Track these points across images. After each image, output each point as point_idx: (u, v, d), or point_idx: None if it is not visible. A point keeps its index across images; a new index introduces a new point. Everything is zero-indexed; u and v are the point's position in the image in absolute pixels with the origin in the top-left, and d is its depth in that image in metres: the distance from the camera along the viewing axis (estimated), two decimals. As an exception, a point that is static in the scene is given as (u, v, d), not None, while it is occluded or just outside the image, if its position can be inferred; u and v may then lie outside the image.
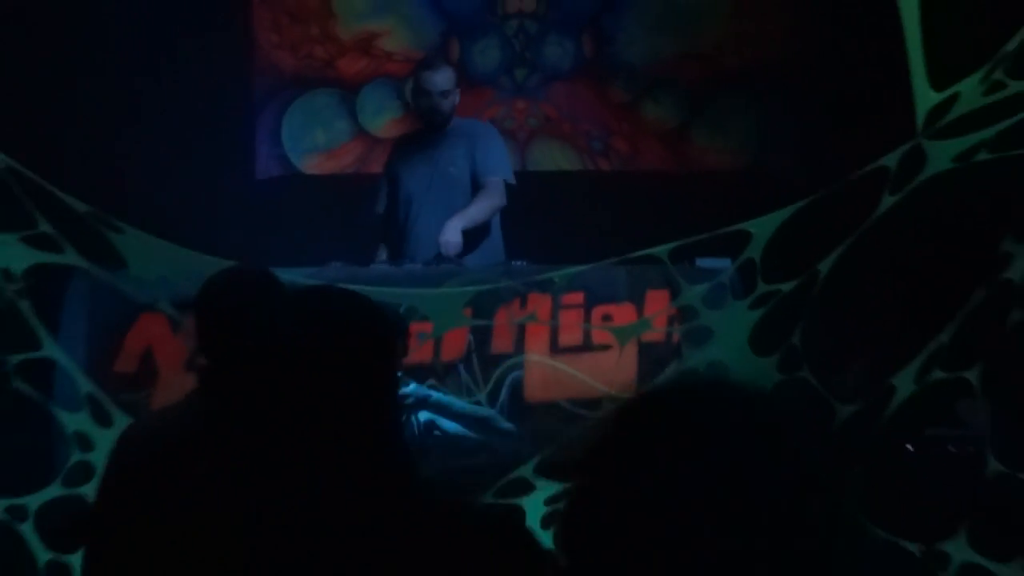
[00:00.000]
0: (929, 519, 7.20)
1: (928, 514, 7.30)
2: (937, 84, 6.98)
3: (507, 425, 8.12)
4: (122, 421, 7.29)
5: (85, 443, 7.61)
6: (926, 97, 6.90)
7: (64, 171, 8.23)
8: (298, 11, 10.40)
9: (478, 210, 8.87)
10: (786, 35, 10.83)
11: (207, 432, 4.52)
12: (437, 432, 8.25)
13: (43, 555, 7.47)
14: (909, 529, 7.07)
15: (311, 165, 10.44)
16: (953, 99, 6.81)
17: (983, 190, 7.66)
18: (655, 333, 8.25)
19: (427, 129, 9.07)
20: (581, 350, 8.39)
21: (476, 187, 9.03)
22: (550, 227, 9.75)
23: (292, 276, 7.52)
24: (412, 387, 7.98)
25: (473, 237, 8.87)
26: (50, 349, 7.60)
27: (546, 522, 7.32)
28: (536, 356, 8.40)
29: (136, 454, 4.90)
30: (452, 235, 8.63)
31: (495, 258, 9.00)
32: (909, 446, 8.13)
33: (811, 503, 2.39)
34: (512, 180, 9.03)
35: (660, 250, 7.51)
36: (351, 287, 7.74)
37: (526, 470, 7.37)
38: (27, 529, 7.27)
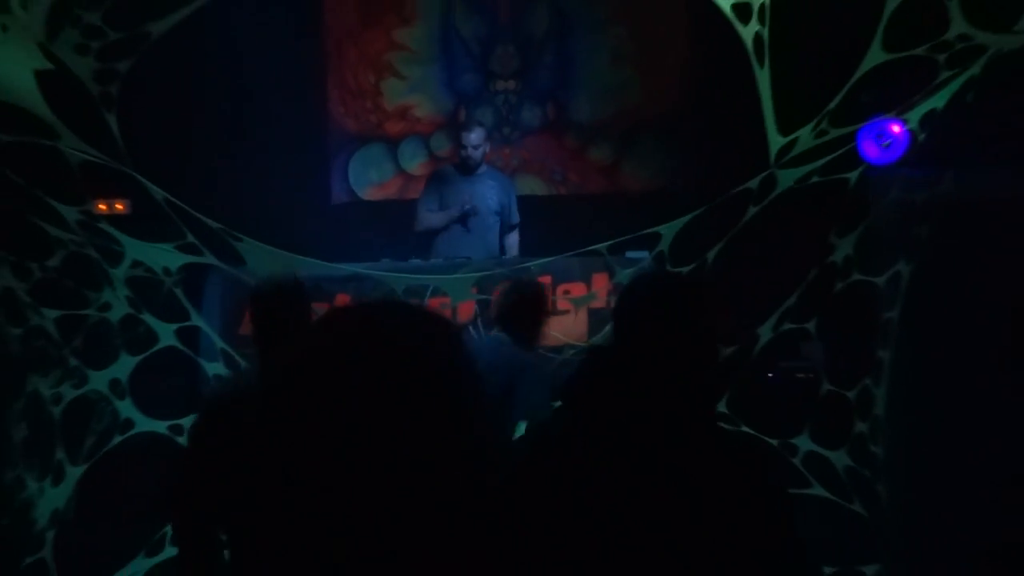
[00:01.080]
0: (783, 422, 8.15)
1: (783, 419, 8.22)
2: (783, 131, 7.80)
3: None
4: (243, 366, 8.14)
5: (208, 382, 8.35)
6: (776, 141, 7.81)
7: (202, 200, 8.22)
8: (358, 91, 10.70)
9: (515, 242, 9.72)
10: (681, 95, 11.00)
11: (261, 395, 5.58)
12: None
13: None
14: (770, 430, 8.00)
15: (368, 194, 10.83)
16: (794, 142, 7.72)
17: (815, 202, 8.06)
18: (599, 302, 8.91)
19: (463, 170, 9.52)
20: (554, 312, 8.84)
21: (503, 218, 9.68)
22: (527, 232, 10.03)
23: (355, 268, 8.53)
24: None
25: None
26: (196, 320, 8.32)
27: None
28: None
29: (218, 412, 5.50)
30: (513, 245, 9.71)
31: (492, 254, 9.56)
32: (769, 374, 9.06)
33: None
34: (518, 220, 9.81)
35: (602, 246, 8.37)
36: (396, 274, 8.51)
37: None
38: (183, 441, 7.80)
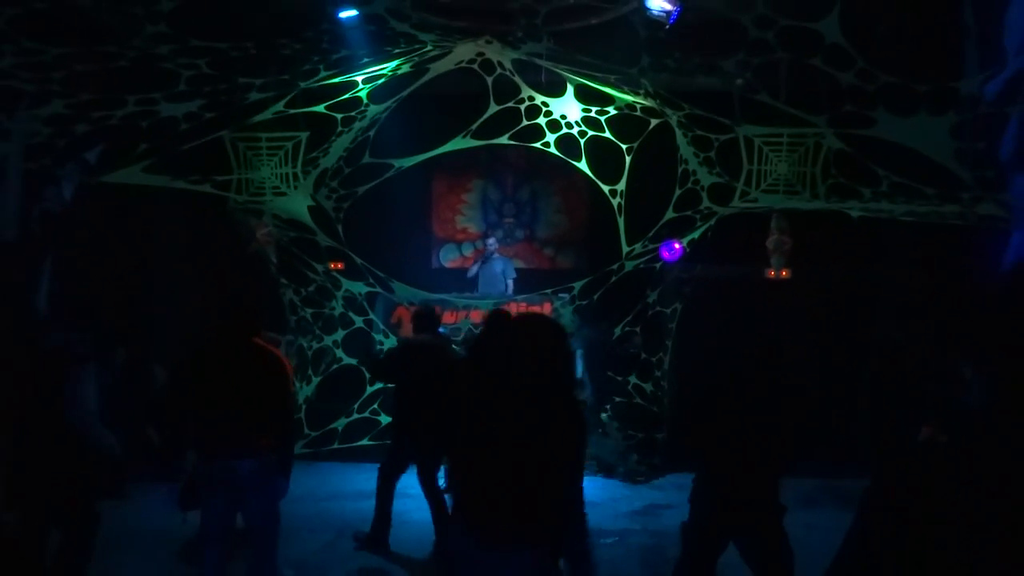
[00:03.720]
0: (625, 371, 8.12)
1: (625, 370, 8.14)
2: (629, 244, 8.14)
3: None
4: (392, 340, 8.30)
5: (381, 344, 8.31)
6: (625, 248, 8.12)
7: (375, 263, 8.34)
8: (445, 220, 10.69)
9: (511, 286, 9.41)
10: (584, 228, 10.51)
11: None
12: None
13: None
14: (622, 373, 8.10)
15: (447, 264, 10.61)
16: (632, 250, 8.01)
17: (641, 275, 8.10)
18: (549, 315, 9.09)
19: (487, 258, 9.51)
20: None
21: (506, 276, 9.46)
22: (518, 283, 9.49)
23: (442, 296, 8.43)
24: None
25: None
26: (371, 315, 8.32)
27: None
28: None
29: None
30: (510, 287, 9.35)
31: (501, 292, 9.21)
32: (620, 350, 8.23)
33: None
34: (514, 278, 9.51)
35: (548, 291, 8.43)
36: (458, 298, 8.71)
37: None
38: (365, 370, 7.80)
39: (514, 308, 8.73)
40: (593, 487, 6.94)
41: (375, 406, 8.30)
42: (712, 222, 7.84)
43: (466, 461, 2.61)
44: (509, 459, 2.49)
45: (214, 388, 3.76)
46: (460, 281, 9.55)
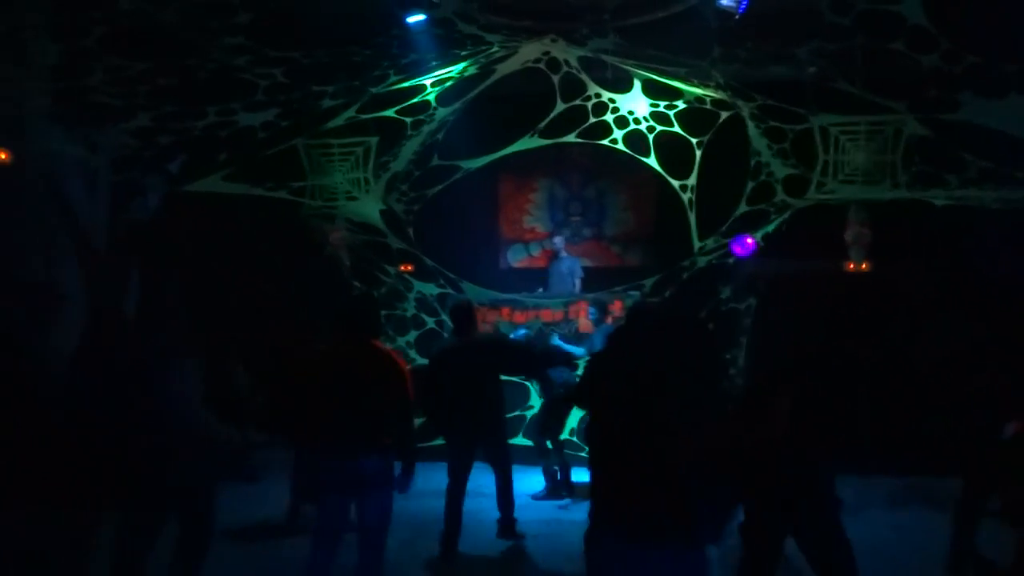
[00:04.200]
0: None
1: None
2: (700, 240, 8.10)
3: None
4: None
5: None
6: (696, 244, 8.07)
7: (448, 265, 8.46)
8: (513, 220, 10.61)
9: (579, 286, 9.28)
10: (652, 226, 10.25)
11: None
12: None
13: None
14: None
15: (516, 264, 10.56)
16: (704, 246, 7.94)
17: (714, 271, 7.92)
18: (618, 314, 8.06)
19: (556, 256, 9.53)
20: None
21: (574, 276, 9.39)
22: (589, 284, 9.39)
23: (511, 295, 8.46)
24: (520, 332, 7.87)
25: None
26: (444, 317, 8.20)
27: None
28: (583, 319, 8.38)
29: None
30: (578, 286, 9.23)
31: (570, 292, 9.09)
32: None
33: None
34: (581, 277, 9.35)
35: (619, 288, 8.27)
36: (528, 298, 8.63)
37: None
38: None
39: (583, 306, 8.67)
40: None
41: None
42: (787, 215, 7.65)
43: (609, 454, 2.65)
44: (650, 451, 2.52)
45: (337, 388, 3.91)
46: (529, 280, 9.52)
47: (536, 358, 6.54)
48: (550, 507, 7.05)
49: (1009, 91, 4.57)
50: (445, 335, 8.55)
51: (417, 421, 8.21)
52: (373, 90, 6.65)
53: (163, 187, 7.23)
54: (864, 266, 7.61)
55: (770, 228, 7.69)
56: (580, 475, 7.91)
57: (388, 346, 7.93)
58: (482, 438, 5.84)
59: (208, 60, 5.25)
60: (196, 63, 5.21)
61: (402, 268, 8.53)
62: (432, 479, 7.25)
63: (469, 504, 5.76)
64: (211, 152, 6.29)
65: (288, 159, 7.27)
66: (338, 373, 3.92)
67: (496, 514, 5.94)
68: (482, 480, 6.16)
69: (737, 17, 5.50)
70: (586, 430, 3.78)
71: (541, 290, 9.14)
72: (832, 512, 3.53)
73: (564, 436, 7.91)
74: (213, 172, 6.52)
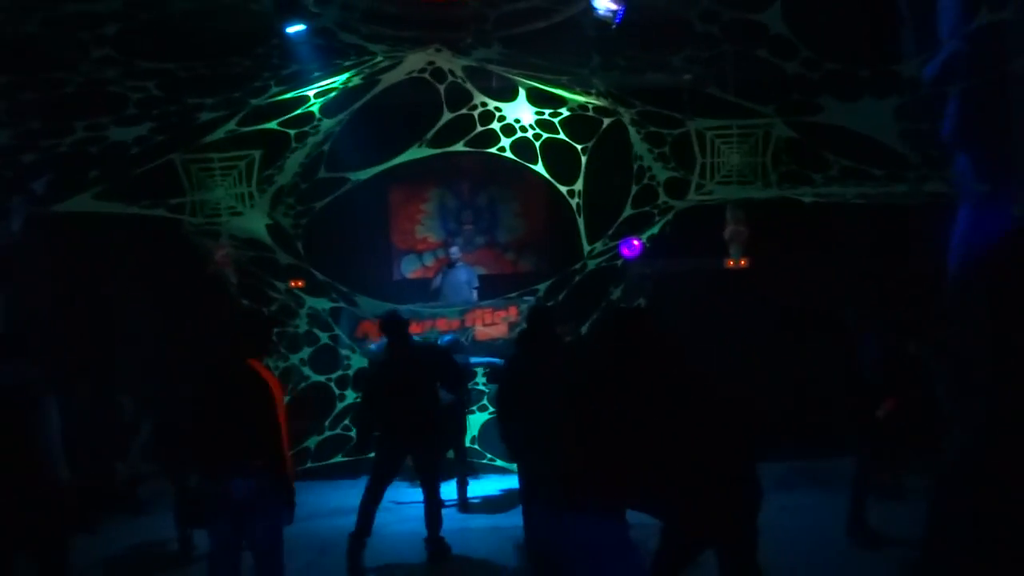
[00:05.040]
0: None
1: None
2: (590, 243, 8.26)
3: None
4: (358, 355, 8.25)
5: (348, 359, 8.29)
6: (586, 248, 8.23)
7: (338, 278, 8.36)
8: (405, 231, 10.39)
9: (475, 294, 9.16)
10: (543, 232, 10.23)
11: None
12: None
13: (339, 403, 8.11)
14: None
15: (410, 275, 10.33)
16: (594, 249, 8.07)
17: (603, 274, 8.15)
18: (513, 319, 8.42)
19: (450, 265, 9.29)
20: (491, 325, 8.62)
21: (469, 284, 9.26)
22: (484, 291, 9.22)
23: (407, 307, 8.19)
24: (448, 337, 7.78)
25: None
26: (337, 331, 8.26)
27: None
28: (479, 327, 8.59)
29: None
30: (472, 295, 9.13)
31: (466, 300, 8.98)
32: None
33: None
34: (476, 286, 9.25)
35: (514, 294, 8.47)
36: (422, 308, 8.54)
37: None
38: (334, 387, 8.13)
39: (480, 314, 8.80)
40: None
41: (346, 422, 8.21)
42: (670, 216, 7.94)
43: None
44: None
45: (208, 409, 3.84)
46: (423, 292, 9.49)
47: (462, 372, 6.50)
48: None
49: (863, 94, 4.92)
50: (341, 351, 8.52)
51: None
52: (254, 102, 6.48)
53: (27, 208, 6.76)
54: (743, 262, 8.00)
55: (655, 230, 7.99)
56: (483, 483, 8.00)
57: (279, 364, 8.04)
58: (413, 448, 5.80)
59: (75, 73, 4.99)
60: (62, 76, 4.93)
61: (291, 284, 8.35)
62: (329, 498, 7.28)
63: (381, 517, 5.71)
64: (80, 169, 5.94)
65: (165, 175, 7.03)
66: (211, 394, 3.86)
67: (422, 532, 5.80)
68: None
69: (614, 27, 5.71)
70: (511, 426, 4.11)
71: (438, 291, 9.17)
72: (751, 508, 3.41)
73: (467, 444, 7.95)
74: (83, 191, 6.16)
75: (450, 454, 7.28)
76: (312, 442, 8.19)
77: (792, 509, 5.94)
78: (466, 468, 7.36)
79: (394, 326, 5.81)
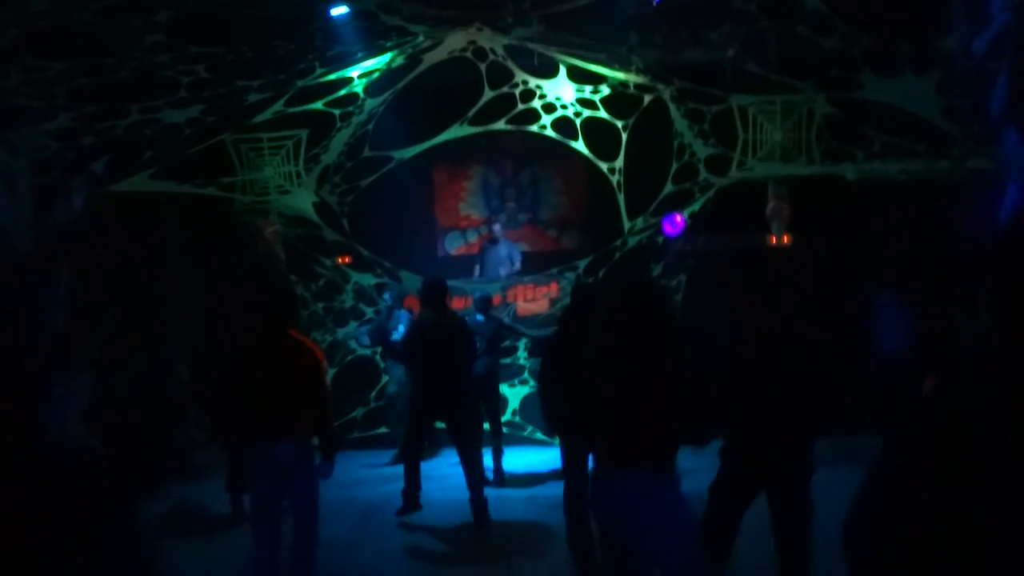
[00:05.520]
0: None
1: None
2: (630, 219, 8.33)
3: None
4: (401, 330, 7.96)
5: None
6: (627, 224, 8.27)
7: (385, 255, 8.56)
8: (448, 208, 10.49)
9: (518, 268, 9.20)
10: (585, 210, 10.25)
11: None
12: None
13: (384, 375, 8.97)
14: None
15: (453, 252, 10.46)
16: (634, 225, 8.17)
17: (645, 250, 8.23)
18: (554, 295, 8.54)
19: (492, 242, 9.33)
20: (532, 300, 8.76)
21: (512, 260, 9.28)
22: (526, 267, 9.24)
23: (456, 283, 8.28)
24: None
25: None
26: (381, 306, 8.25)
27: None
28: (521, 302, 8.71)
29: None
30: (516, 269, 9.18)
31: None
32: None
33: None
34: (519, 264, 9.22)
35: (554, 270, 8.57)
36: (466, 284, 8.70)
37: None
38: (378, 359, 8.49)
39: (521, 290, 8.92)
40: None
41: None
42: (711, 193, 7.93)
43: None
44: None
45: (255, 378, 4.02)
46: (466, 268, 9.56)
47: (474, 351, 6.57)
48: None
49: (903, 70, 4.87)
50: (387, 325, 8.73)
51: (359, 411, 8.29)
52: (300, 83, 6.67)
53: (87, 188, 7.09)
54: (785, 239, 7.95)
55: (695, 207, 7.99)
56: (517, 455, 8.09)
57: (326, 338, 8.32)
58: (443, 414, 6.05)
59: (128, 58, 5.22)
60: (116, 62, 5.18)
61: (339, 260, 8.58)
62: (374, 467, 7.54)
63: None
64: (136, 151, 6.22)
65: (216, 155, 7.31)
66: (257, 364, 4.05)
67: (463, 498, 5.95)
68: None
69: (653, 5, 5.71)
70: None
71: (477, 272, 9.24)
72: (805, 476, 3.76)
73: (507, 417, 8.09)
74: (140, 171, 6.45)
75: (486, 426, 7.34)
76: (358, 413, 8.46)
77: (832, 483, 5.92)
78: (500, 440, 7.42)
79: (434, 291, 5.95)
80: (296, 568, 4.11)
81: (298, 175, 7.89)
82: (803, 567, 3.74)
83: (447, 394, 5.75)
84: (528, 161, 10.66)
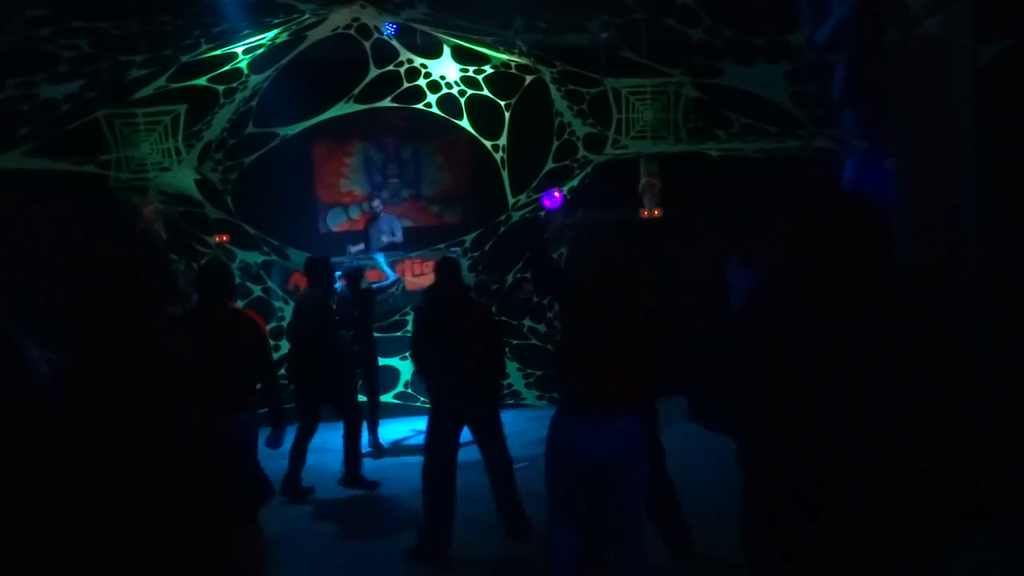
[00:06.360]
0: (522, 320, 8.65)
1: (522, 318, 8.61)
2: (514, 195, 8.53)
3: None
4: (291, 306, 7.65)
5: (281, 311, 8.43)
6: (511, 200, 8.60)
7: (268, 232, 8.60)
8: (329, 185, 10.58)
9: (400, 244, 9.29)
10: (466, 185, 10.59)
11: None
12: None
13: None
14: (519, 328, 8.44)
15: (336, 228, 10.52)
16: (517, 201, 8.41)
17: (526, 225, 8.53)
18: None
19: (374, 217, 9.35)
20: (420, 275, 8.90)
21: (394, 234, 9.34)
22: (410, 242, 9.45)
23: (339, 259, 8.28)
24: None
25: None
26: (269, 283, 8.48)
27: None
28: (408, 277, 8.96)
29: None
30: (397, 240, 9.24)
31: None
32: (519, 298, 9.08)
33: None
34: (401, 237, 9.37)
35: (440, 246, 8.74)
36: (357, 261, 9.08)
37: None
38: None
39: (409, 265, 9.19)
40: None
41: (281, 371, 8.46)
42: (589, 170, 8.42)
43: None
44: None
45: (203, 349, 4.02)
46: (349, 243, 9.67)
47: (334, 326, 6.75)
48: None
49: (758, 60, 5.48)
50: (273, 303, 8.77)
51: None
52: (184, 59, 6.61)
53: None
54: (656, 212, 8.59)
55: (574, 182, 8.49)
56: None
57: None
58: (325, 398, 6.28)
59: (5, 32, 5.08)
60: (-7, 35, 5.02)
61: (218, 239, 8.51)
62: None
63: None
64: (10, 127, 6.00)
65: (94, 132, 7.10)
66: (201, 337, 4.04)
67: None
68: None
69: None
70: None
71: (361, 247, 9.37)
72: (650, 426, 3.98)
73: (399, 389, 8.35)
74: (13, 148, 6.22)
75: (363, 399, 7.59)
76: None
77: (696, 435, 6.52)
78: (376, 413, 7.70)
79: (314, 270, 6.30)
80: None
81: (178, 151, 7.80)
82: (669, 505, 4.27)
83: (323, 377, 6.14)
84: (410, 137, 10.84)
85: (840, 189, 1.92)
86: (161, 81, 6.89)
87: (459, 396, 4.73)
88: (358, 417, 6.43)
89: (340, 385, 6.26)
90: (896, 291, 1.78)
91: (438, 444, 4.73)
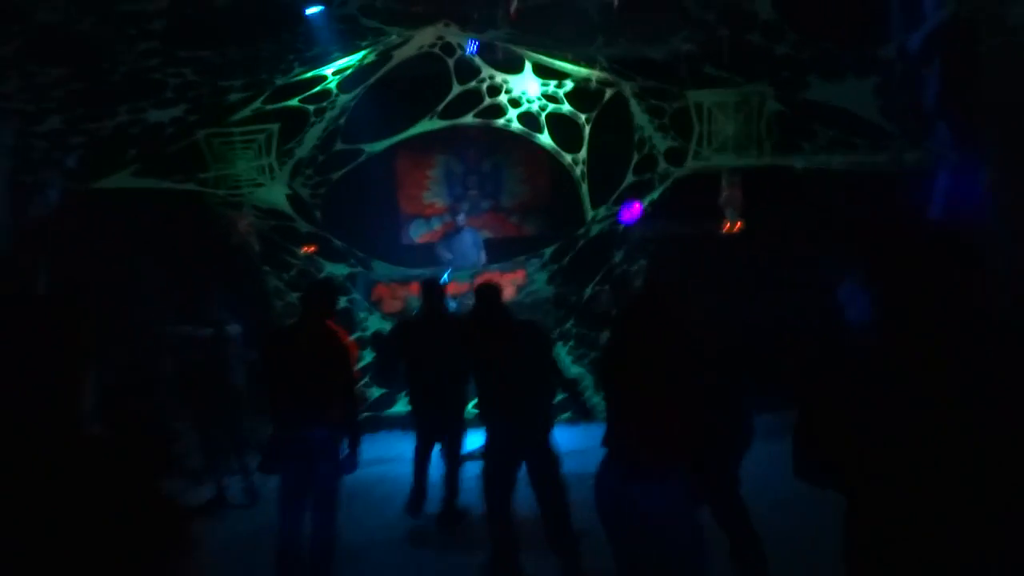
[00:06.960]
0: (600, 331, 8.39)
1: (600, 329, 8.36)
2: (593, 208, 8.61)
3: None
4: (376, 316, 8.58)
5: (365, 321, 8.65)
6: (590, 213, 8.59)
7: (354, 244, 8.76)
8: (412, 197, 10.78)
9: (483, 257, 9.39)
10: (547, 198, 10.60)
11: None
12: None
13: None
14: (596, 340, 8.33)
15: (418, 239, 10.70)
16: (597, 215, 8.53)
17: (607, 237, 8.45)
18: (520, 283, 8.64)
19: (456, 229, 9.50)
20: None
21: (477, 249, 9.43)
22: (489, 253, 9.53)
23: (415, 271, 8.65)
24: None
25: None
26: (355, 295, 8.54)
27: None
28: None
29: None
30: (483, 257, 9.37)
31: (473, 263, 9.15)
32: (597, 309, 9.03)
33: None
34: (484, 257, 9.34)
35: (521, 258, 8.69)
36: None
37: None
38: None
39: (488, 277, 9.16)
40: (574, 435, 7.15)
41: (365, 380, 8.70)
42: (669, 183, 8.34)
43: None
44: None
45: (293, 365, 4.22)
46: (430, 254, 9.87)
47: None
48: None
49: (846, 74, 5.40)
50: (358, 314, 8.93)
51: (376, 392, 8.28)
52: (279, 81, 6.91)
53: (62, 182, 7.20)
54: (738, 225, 8.45)
55: (655, 195, 8.43)
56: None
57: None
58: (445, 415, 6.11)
59: (121, 63, 5.44)
60: (109, 67, 5.38)
61: (304, 249, 8.76)
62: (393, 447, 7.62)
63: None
64: (120, 149, 6.42)
65: (193, 152, 7.48)
66: (295, 351, 4.20)
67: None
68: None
69: (616, 6, 6.09)
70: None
71: (449, 256, 9.47)
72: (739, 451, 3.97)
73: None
74: (122, 169, 6.64)
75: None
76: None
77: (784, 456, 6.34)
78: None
79: (428, 292, 6.20)
80: (316, 552, 4.24)
81: (271, 168, 8.12)
82: None
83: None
84: (490, 150, 10.94)
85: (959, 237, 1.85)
86: (257, 103, 7.21)
87: (512, 432, 4.43)
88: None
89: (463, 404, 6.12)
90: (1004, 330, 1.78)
91: (493, 483, 4.49)
